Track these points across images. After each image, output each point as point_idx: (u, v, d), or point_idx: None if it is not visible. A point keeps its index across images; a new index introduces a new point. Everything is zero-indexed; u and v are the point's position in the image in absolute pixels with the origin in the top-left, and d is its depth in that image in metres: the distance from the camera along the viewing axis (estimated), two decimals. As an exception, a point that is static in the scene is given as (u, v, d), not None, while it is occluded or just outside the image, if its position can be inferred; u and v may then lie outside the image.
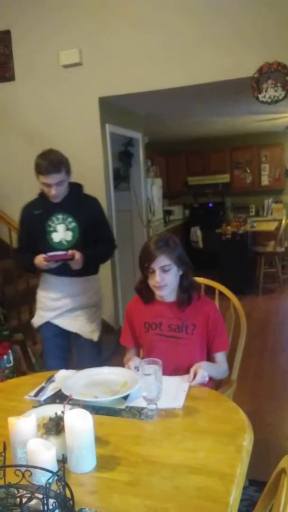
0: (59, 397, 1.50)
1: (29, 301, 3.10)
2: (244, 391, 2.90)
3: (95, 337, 2.39)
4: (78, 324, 2.35)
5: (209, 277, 2.15)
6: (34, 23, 3.77)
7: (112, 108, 3.96)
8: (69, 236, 2.24)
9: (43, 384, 1.61)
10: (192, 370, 1.64)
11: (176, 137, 7.31)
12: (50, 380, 1.65)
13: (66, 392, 1.48)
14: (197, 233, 7.57)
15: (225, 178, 7.79)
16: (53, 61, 3.73)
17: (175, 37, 3.39)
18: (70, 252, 2.15)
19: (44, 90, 3.83)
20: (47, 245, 2.22)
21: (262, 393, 3.09)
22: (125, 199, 4.79)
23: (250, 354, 3.55)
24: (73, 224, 2.24)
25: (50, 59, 3.74)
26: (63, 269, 2.20)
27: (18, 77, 3.90)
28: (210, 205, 8.11)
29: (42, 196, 2.26)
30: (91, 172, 3.83)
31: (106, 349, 3.70)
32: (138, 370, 1.58)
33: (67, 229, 2.24)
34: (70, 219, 2.24)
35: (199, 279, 2.07)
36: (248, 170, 7.65)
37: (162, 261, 1.73)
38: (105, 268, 3.93)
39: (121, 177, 4.74)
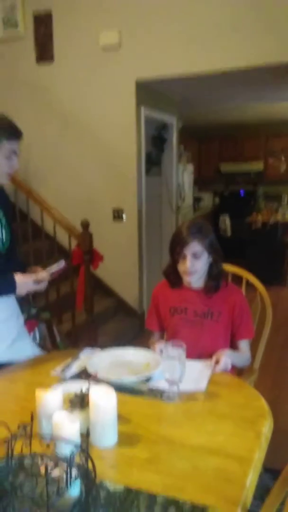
0: (84, 374, 1.55)
1: (56, 281, 3.16)
2: (265, 380, 2.91)
3: None
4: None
5: (237, 266, 2.15)
6: (75, 4, 3.76)
7: (148, 91, 3.94)
8: (4, 235, 1.75)
9: (69, 361, 1.66)
10: (214, 357, 1.65)
11: (210, 122, 7.21)
12: (76, 357, 1.70)
13: (91, 369, 1.53)
14: (226, 221, 7.50)
15: (258, 165, 7.66)
16: (92, 42, 3.73)
17: (215, 19, 3.32)
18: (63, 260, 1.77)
19: (82, 71, 3.84)
20: None
21: (284, 383, 3.08)
22: (156, 184, 4.79)
23: (274, 344, 3.54)
24: (4, 221, 1.76)
25: (90, 40, 3.74)
26: None
27: (57, 58, 3.92)
28: (241, 193, 8.00)
29: None
30: (124, 156, 3.85)
31: (129, 333, 3.78)
32: (163, 353, 1.62)
33: (1, 226, 1.74)
34: (4, 213, 1.76)
35: (228, 267, 2.07)
36: (283, 159, 7.49)
37: (194, 247, 1.74)
38: (131, 253, 3.98)
39: (152, 161, 4.73)
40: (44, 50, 4.03)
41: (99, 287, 3.90)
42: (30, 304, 2.93)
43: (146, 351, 1.72)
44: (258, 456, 1.15)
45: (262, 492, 1.85)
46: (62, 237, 3.43)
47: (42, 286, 1.72)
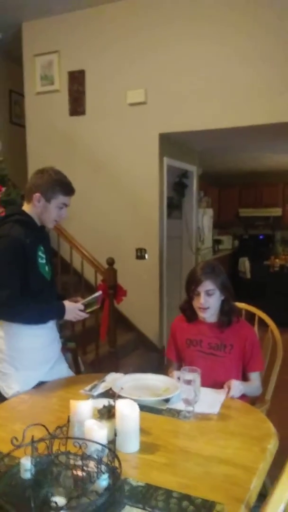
0: (109, 395, 1.74)
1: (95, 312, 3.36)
2: (279, 419, 2.98)
3: None
4: None
5: (256, 308, 2.32)
6: (105, 64, 4.18)
7: (171, 143, 4.28)
8: (48, 267, 1.99)
9: (96, 382, 1.86)
10: (226, 385, 1.82)
11: (229, 169, 7.55)
12: (102, 380, 1.89)
13: (115, 389, 1.72)
14: (245, 263, 7.67)
15: (277, 211, 7.90)
16: (121, 99, 4.11)
17: (232, 80, 3.66)
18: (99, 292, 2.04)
19: (110, 124, 4.21)
20: (44, 282, 1.94)
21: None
22: (177, 226, 5.05)
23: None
24: (47, 255, 2.00)
25: (118, 97, 4.13)
26: None
27: (88, 112, 4.31)
28: (261, 237, 8.21)
29: (22, 224, 1.88)
30: (148, 200, 4.14)
31: (149, 366, 3.92)
32: (179, 380, 1.80)
33: (46, 262, 1.98)
34: (45, 250, 1.99)
35: (240, 305, 2.26)
36: (301, 205, 7.72)
37: (208, 285, 1.94)
38: (152, 290, 4.19)
39: (174, 205, 5.02)
40: (77, 105, 4.43)
41: (121, 322, 4.08)
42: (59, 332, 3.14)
43: (165, 377, 1.91)
44: (262, 467, 1.31)
45: None
46: (89, 273, 3.68)
47: (84, 315, 1.97)
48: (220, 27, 3.68)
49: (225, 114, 3.72)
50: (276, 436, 1.49)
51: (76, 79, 4.41)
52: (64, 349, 3.12)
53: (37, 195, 1.89)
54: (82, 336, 3.44)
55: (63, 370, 2.14)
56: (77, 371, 3.09)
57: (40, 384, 1.94)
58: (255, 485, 1.22)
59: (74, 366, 3.09)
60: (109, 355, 3.43)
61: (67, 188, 1.93)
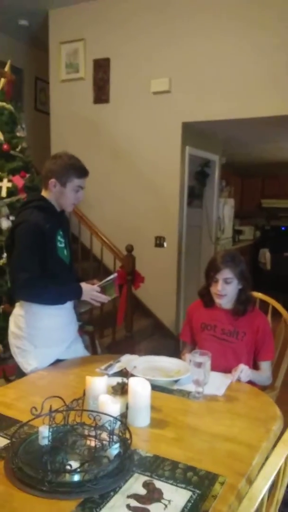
0: (123, 374, 1.82)
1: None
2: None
3: None
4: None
5: (274, 299, 2.36)
6: (130, 53, 4.22)
7: (193, 132, 4.29)
8: (66, 252, 2.08)
9: (111, 362, 1.95)
10: (234, 369, 1.88)
11: (253, 160, 7.49)
12: (117, 360, 1.98)
13: (129, 368, 1.80)
14: (265, 254, 7.65)
15: (300, 203, 7.82)
16: (144, 87, 4.15)
17: (255, 70, 3.65)
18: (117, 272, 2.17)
19: (134, 112, 4.26)
20: (63, 265, 2.04)
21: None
22: (197, 215, 5.08)
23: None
24: (66, 240, 2.09)
25: (142, 86, 4.16)
26: None
27: (112, 100, 4.37)
28: (283, 228, 8.15)
29: (41, 209, 1.96)
30: (168, 188, 4.19)
31: (164, 353, 4.00)
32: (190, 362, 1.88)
33: (65, 246, 2.07)
34: (64, 234, 2.08)
35: (255, 294, 2.31)
36: None
37: (226, 273, 2.00)
38: (170, 278, 4.26)
39: (195, 194, 5.04)
40: (101, 93, 4.49)
41: (138, 308, 4.18)
42: (77, 317, 3.25)
43: (178, 360, 1.99)
44: (265, 446, 1.37)
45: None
46: (108, 260, 3.77)
47: (102, 297, 2.03)
48: (241, 19, 3.65)
49: (248, 104, 3.71)
50: (282, 419, 1.56)
51: (101, 67, 4.46)
52: (82, 332, 3.24)
53: (52, 180, 1.96)
54: (100, 320, 3.54)
55: (79, 350, 2.24)
56: (94, 353, 3.19)
57: (57, 362, 2.04)
58: (257, 461, 1.28)
59: (92, 348, 3.19)
60: (125, 339, 3.53)
61: (80, 171, 1.98)
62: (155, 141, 4.17)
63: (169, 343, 4.21)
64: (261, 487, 0.86)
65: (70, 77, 4.58)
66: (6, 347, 2.91)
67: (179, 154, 4.11)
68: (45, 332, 2.03)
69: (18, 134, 3.10)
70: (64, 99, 4.63)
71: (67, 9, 4.46)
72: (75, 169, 1.96)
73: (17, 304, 2.10)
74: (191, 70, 3.93)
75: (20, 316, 2.04)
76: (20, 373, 2.04)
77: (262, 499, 0.86)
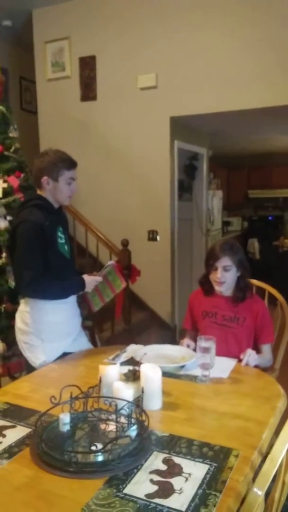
0: (131, 363, 1.89)
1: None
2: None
3: None
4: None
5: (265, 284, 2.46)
6: (116, 49, 4.26)
7: (181, 126, 4.37)
8: (67, 246, 2.15)
9: (118, 352, 2.02)
10: (242, 353, 1.97)
11: (239, 151, 7.60)
12: (123, 350, 2.06)
13: (137, 358, 1.88)
14: (254, 244, 7.78)
15: (286, 193, 7.96)
16: (132, 83, 4.20)
17: (240, 64, 3.73)
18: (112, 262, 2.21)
19: (122, 109, 4.31)
20: (64, 260, 2.10)
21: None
22: (187, 208, 5.17)
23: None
24: (66, 235, 2.16)
25: (129, 82, 4.21)
26: None
27: (100, 97, 4.41)
28: (270, 218, 8.29)
29: (40, 207, 2.02)
30: (159, 183, 4.26)
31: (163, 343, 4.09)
32: (188, 347, 2.04)
33: (65, 242, 2.13)
34: (63, 230, 2.14)
35: (253, 281, 2.39)
36: (310, 186, 7.78)
37: (225, 261, 2.08)
38: (164, 271, 4.34)
39: (184, 188, 5.12)
40: (89, 90, 4.52)
41: (134, 301, 4.25)
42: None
43: (181, 347, 2.08)
44: (273, 421, 1.46)
45: None
46: (103, 256, 3.83)
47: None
48: (227, 15, 3.73)
49: (234, 97, 3.79)
50: (285, 396, 1.65)
51: (87, 65, 4.49)
52: (82, 327, 3.30)
53: (44, 178, 2.01)
54: (98, 315, 3.59)
55: (84, 343, 2.32)
56: (94, 347, 3.26)
57: (64, 355, 2.10)
58: (267, 435, 1.37)
59: (92, 343, 3.26)
60: (124, 332, 3.60)
61: (69, 162, 2.03)
62: (144, 136, 4.23)
63: (166, 334, 4.30)
64: (281, 448, 0.94)
65: (57, 75, 4.61)
66: (9, 345, 2.97)
67: (168, 149, 4.18)
68: (51, 326, 2.09)
69: (11, 134, 3.13)
70: (51, 98, 4.66)
71: (50, 8, 4.48)
72: (64, 161, 2.01)
73: (22, 301, 2.15)
74: (177, 65, 4.00)
75: (26, 312, 2.10)
76: (29, 368, 2.10)
77: (281, 462, 0.95)
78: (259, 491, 0.91)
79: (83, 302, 2.37)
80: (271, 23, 3.58)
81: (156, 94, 4.12)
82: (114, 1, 4.19)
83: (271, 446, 1.35)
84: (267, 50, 3.63)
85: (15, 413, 1.51)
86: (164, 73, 4.07)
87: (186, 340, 2.13)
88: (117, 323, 3.65)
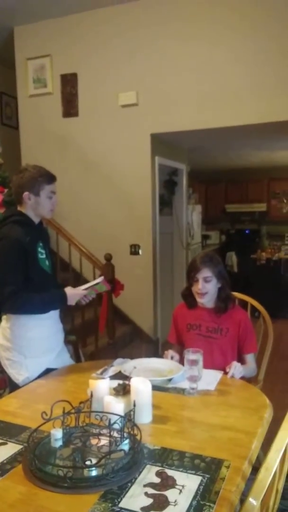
0: (119, 377, 1.90)
1: (80, 308, 3.54)
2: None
3: None
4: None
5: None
6: (97, 67, 4.33)
7: (161, 143, 4.45)
8: (48, 262, 2.16)
9: (105, 367, 2.03)
10: (227, 366, 2.01)
11: (216, 167, 7.77)
12: (110, 364, 2.07)
13: (125, 372, 1.89)
14: (232, 257, 7.90)
15: (262, 207, 8.15)
16: (112, 101, 4.26)
17: (220, 81, 3.84)
18: (102, 278, 2.21)
19: (103, 125, 4.36)
20: (45, 275, 2.10)
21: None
22: (168, 223, 5.23)
23: (278, 373, 3.83)
24: (47, 250, 2.17)
25: (110, 99, 4.28)
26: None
27: (81, 114, 4.46)
28: (247, 231, 8.46)
29: (20, 224, 2.02)
30: (140, 198, 4.32)
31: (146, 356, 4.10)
32: (172, 359, 2.07)
33: (46, 257, 2.14)
34: (44, 245, 2.15)
35: (236, 294, 2.45)
36: (285, 200, 7.99)
37: (205, 272, 2.14)
38: (146, 284, 4.37)
39: (165, 202, 5.19)
40: (70, 106, 4.57)
41: (117, 315, 4.25)
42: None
43: (167, 361, 2.10)
44: (261, 431, 1.50)
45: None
46: (87, 271, 3.84)
47: (87, 300, 2.15)
48: (209, 29, 3.84)
49: (213, 115, 3.90)
50: (271, 407, 1.69)
51: (69, 82, 4.54)
52: (65, 342, 3.29)
53: (26, 194, 2.01)
54: (81, 329, 3.60)
55: (66, 359, 2.32)
56: (77, 362, 3.25)
57: (47, 371, 2.09)
58: (255, 445, 1.40)
59: (76, 357, 3.25)
60: (107, 346, 3.60)
61: (49, 177, 2.05)
62: (125, 152, 4.29)
63: (149, 347, 4.31)
64: (275, 457, 0.98)
65: (38, 92, 4.64)
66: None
67: (149, 165, 4.25)
68: (34, 342, 2.09)
69: (-6, 150, 3.14)
70: (33, 113, 4.68)
71: (32, 25, 4.53)
72: (43, 176, 2.04)
73: (4, 317, 2.14)
74: (157, 83, 4.09)
75: (8, 328, 2.09)
76: (12, 385, 2.08)
77: (275, 470, 0.98)
78: (254, 501, 0.94)
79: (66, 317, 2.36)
80: (256, 38, 3.69)
81: (136, 111, 4.20)
82: (94, 19, 4.26)
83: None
84: (242, 69, 3.76)
85: (5, 430, 1.50)
86: (145, 91, 4.15)
87: (170, 352, 2.16)
88: (100, 337, 3.65)
